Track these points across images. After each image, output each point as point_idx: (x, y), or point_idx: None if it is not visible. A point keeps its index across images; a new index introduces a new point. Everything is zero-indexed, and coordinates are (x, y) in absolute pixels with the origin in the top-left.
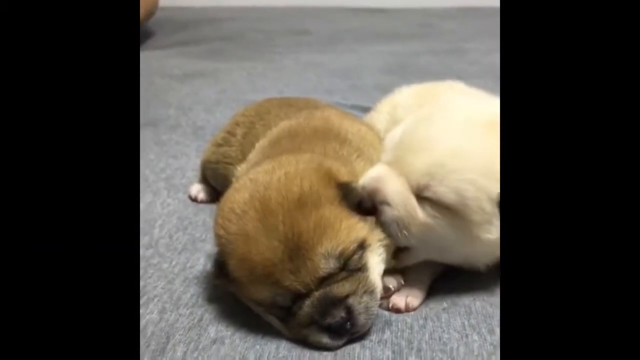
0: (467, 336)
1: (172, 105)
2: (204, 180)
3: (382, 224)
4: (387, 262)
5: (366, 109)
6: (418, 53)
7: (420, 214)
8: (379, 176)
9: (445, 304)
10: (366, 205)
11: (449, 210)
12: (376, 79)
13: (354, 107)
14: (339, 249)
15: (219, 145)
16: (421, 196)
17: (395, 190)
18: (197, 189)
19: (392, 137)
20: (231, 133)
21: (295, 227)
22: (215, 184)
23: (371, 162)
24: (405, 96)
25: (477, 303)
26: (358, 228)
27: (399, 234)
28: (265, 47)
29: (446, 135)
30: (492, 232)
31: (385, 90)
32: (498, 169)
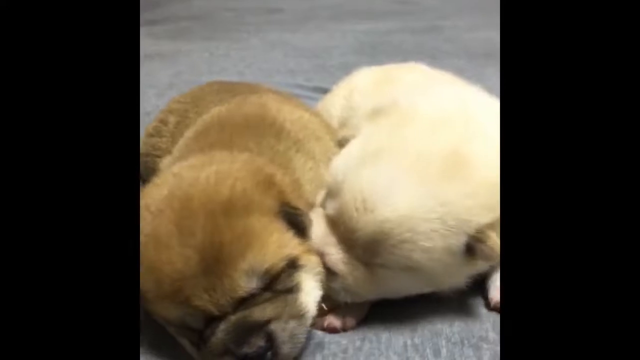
0: (407, 359)
1: None
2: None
3: (331, 292)
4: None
5: (329, 92)
6: (393, 31)
7: (369, 281)
8: (322, 242)
9: (387, 321)
10: (306, 224)
11: (404, 269)
12: (344, 59)
13: (316, 89)
14: (265, 265)
15: (151, 135)
16: (369, 262)
17: (340, 262)
18: None
19: (337, 169)
20: (163, 122)
21: (215, 235)
22: (148, 179)
23: (312, 157)
24: (363, 80)
25: (424, 319)
26: (292, 245)
27: (352, 299)
28: (233, 25)
29: (394, 189)
30: (456, 276)
31: (352, 71)
32: (461, 220)
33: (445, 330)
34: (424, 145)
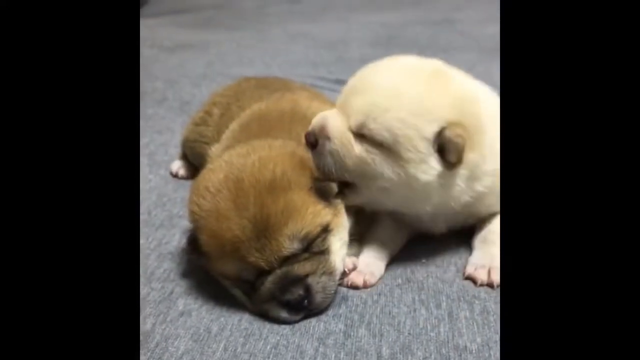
0: (415, 310)
1: (159, 77)
2: (185, 157)
3: (321, 157)
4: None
5: None
6: (408, 23)
7: (355, 148)
8: (325, 115)
9: (399, 281)
10: (310, 139)
11: (383, 147)
12: (363, 51)
13: (337, 81)
14: (304, 231)
15: (197, 124)
16: (359, 133)
17: (335, 126)
18: (178, 165)
19: (351, 78)
20: (208, 113)
21: (264, 208)
22: (194, 161)
23: None
24: None
25: (430, 280)
26: (323, 214)
27: (335, 166)
28: (256, 15)
29: (387, 79)
30: (428, 173)
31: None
32: (435, 111)
33: (446, 289)
34: (416, 63)
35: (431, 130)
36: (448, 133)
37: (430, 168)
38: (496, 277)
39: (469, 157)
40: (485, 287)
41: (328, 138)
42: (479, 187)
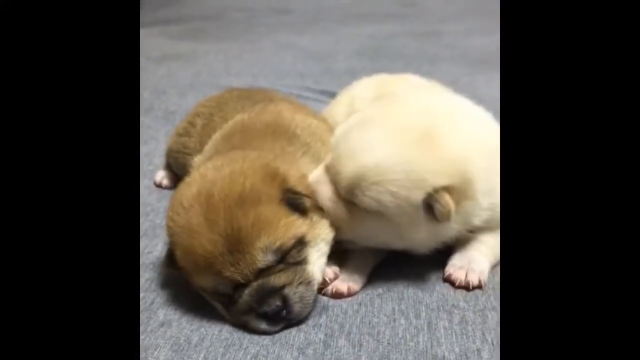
0: (394, 320)
1: (146, 87)
2: (169, 167)
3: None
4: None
5: (335, 95)
6: (395, 35)
7: (347, 213)
8: (316, 180)
9: (380, 290)
10: (305, 205)
11: (375, 214)
12: (349, 62)
13: (323, 92)
14: (277, 243)
15: (180, 135)
16: (349, 200)
17: (325, 196)
18: (162, 176)
19: (336, 135)
20: (191, 123)
21: (234, 222)
22: (178, 172)
23: (317, 158)
24: (363, 88)
25: (410, 289)
26: (297, 225)
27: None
28: (245, 26)
29: (374, 145)
30: (421, 232)
31: (356, 75)
32: (424, 179)
33: (425, 299)
34: (406, 121)
35: (419, 197)
36: (435, 201)
37: (421, 226)
38: (473, 278)
39: (462, 205)
40: (465, 296)
41: (321, 208)
42: (476, 221)
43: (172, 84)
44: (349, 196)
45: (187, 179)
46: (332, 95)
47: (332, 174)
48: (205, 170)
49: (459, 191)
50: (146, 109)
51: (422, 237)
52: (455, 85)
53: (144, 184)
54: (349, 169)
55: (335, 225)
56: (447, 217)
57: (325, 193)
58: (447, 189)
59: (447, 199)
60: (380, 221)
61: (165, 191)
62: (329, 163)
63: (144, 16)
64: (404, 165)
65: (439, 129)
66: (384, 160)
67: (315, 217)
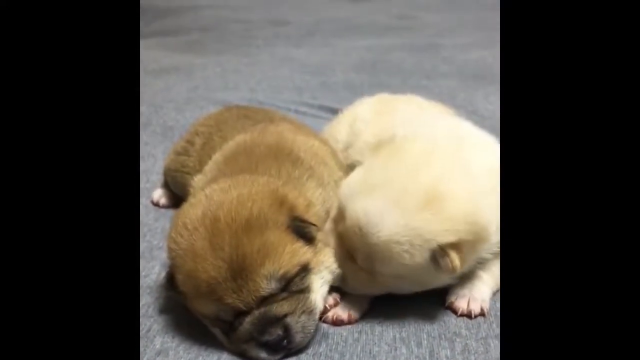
0: (396, 349)
1: (144, 102)
2: (167, 185)
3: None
4: (333, 281)
5: (333, 110)
6: (392, 49)
7: (371, 283)
8: (326, 236)
9: (381, 317)
10: (313, 234)
11: (395, 275)
12: (347, 77)
13: (321, 107)
14: (281, 271)
15: (179, 154)
16: (370, 270)
17: (340, 258)
18: (159, 194)
19: (342, 195)
20: (190, 142)
21: (240, 248)
22: (176, 191)
23: (322, 182)
24: (365, 109)
25: (411, 316)
26: (301, 252)
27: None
28: (243, 38)
29: (380, 220)
30: (440, 278)
31: (354, 89)
32: (429, 240)
33: (427, 326)
34: (408, 182)
35: (425, 258)
36: (440, 258)
37: (431, 276)
38: (475, 307)
39: (476, 250)
40: (467, 323)
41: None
42: (485, 254)
43: (169, 98)
44: (368, 267)
45: (192, 200)
46: (330, 110)
47: (347, 246)
48: (212, 192)
49: (469, 243)
50: (144, 124)
51: (441, 281)
52: (454, 100)
53: (142, 202)
54: (362, 246)
55: (357, 291)
56: (453, 271)
57: (338, 252)
58: (454, 245)
59: (452, 256)
60: (401, 279)
61: (163, 210)
62: (341, 232)
63: (141, 28)
64: (407, 235)
65: (445, 186)
66: (390, 236)
67: (320, 244)
